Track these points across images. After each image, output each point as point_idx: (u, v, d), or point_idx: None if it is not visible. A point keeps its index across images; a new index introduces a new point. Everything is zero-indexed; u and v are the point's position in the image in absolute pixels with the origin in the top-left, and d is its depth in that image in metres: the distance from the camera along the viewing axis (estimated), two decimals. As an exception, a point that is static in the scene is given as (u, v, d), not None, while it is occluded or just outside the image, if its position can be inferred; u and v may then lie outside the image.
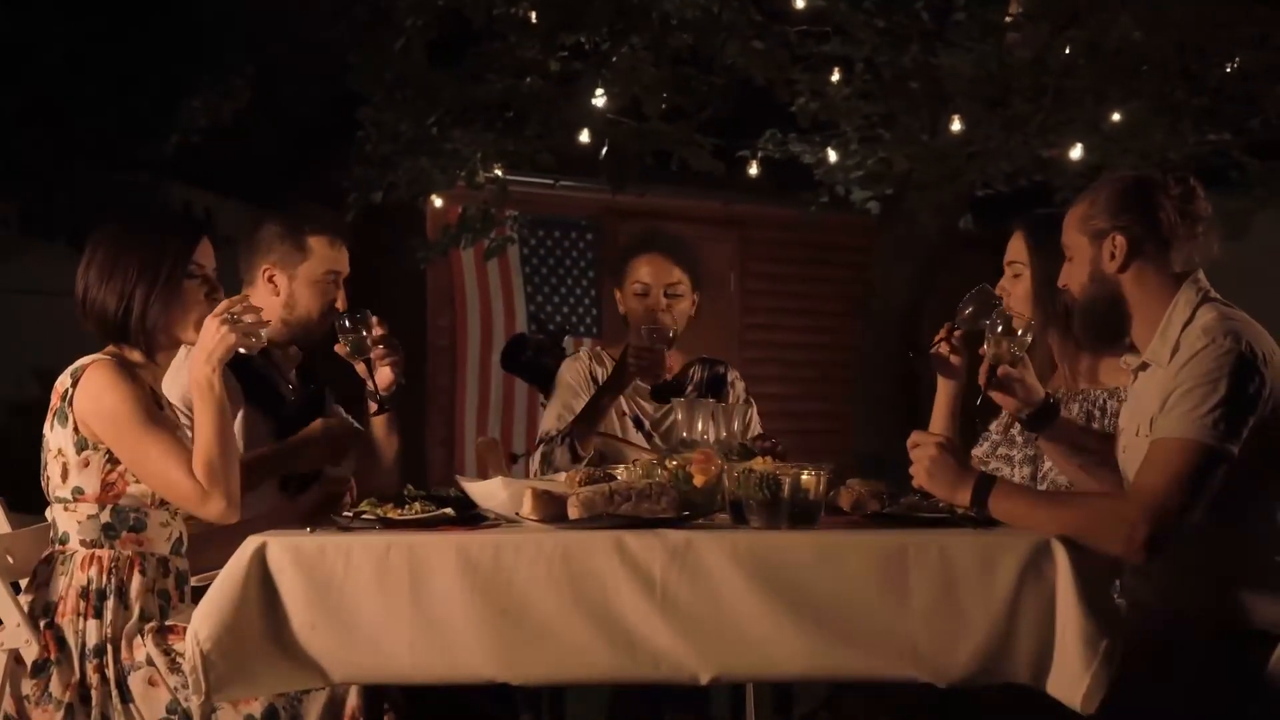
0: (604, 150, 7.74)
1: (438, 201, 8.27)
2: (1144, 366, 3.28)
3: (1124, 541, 2.99)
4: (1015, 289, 3.86)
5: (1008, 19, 6.89)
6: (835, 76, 7.51)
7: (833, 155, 7.83)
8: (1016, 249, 3.90)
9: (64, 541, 3.38)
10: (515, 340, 7.21)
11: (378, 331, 3.91)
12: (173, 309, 3.42)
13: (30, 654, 3.26)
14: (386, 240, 8.55)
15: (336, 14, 7.85)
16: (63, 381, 3.37)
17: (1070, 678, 2.89)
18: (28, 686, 3.25)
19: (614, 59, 7.34)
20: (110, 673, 3.24)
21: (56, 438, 3.36)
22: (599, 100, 7.36)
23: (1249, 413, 3.05)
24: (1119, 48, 6.51)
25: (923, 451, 3.18)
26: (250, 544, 3.03)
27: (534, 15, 7.34)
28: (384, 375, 3.99)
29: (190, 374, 3.32)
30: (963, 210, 8.21)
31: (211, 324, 3.28)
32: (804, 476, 3.14)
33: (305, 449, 3.82)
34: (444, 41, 7.60)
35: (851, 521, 3.30)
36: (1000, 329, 3.47)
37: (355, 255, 4.16)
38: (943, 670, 2.94)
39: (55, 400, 3.37)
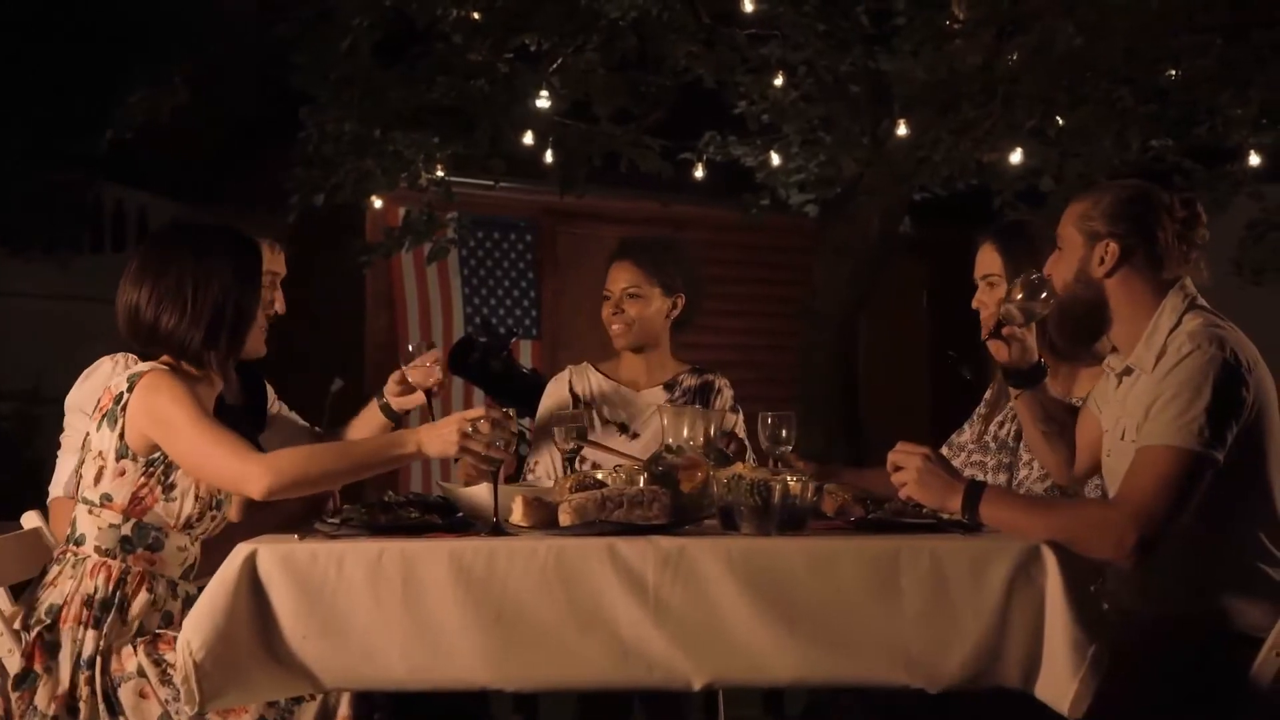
0: (548, 152, 7.72)
1: (377, 203, 8.22)
2: (1128, 371, 3.32)
3: (1113, 547, 3.03)
4: (993, 300, 3.89)
5: (956, 25, 6.94)
6: (779, 80, 7.53)
7: (775, 158, 7.86)
8: (990, 261, 3.92)
9: (79, 543, 3.32)
10: (462, 342, 7.15)
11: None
12: (252, 328, 3.48)
13: (12, 665, 3.20)
14: (326, 241, 8.49)
15: (278, 11, 7.77)
16: (118, 385, 3.33)
17: (1059, 682, 2.92)
18: (10, 699, 3.18)
19: (560, 60, 7.33)
20: (98, 685, 3.18)
21: (101, 439, 3.32)
22: (544, 102, 7.33)
23: (1233, 419, 3.10)
24: (1065, 54, 6.58)
25: (910, 461, 3.20)
26: (240, 551, 3.02)
27: (476, 15, 7.31)
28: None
29: (400, 435, 3.31)
30: (902, 213, 8.27)
31: (452, 425, 3.23)
32: (793, 482, 3.17)
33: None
34: (391, 42, 7.55)
35: (839, 527, 3.33)
36: (1020, 295, 3.46)
37: (294, 256, 4.12)
38: (934, 676, 2.97)
39: (107, 401, 3.34)
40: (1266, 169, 7.26)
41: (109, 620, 3.24)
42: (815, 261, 8.63)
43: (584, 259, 10.20)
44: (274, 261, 4.04)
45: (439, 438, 3.21)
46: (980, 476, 3.94)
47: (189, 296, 3.35)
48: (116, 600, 3.26)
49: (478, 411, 3.23)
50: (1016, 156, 7.13)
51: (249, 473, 3.18)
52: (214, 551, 3.28)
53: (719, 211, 9.32)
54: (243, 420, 4.03)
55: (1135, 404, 3.23)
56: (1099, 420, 3.53)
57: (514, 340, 8.12)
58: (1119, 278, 3.32)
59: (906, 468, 3.20)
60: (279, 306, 4.03)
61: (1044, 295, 3.44)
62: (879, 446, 3.89)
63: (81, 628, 3.23)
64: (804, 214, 8.18)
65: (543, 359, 9.87)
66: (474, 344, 7.02)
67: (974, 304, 3.93)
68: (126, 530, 3.31)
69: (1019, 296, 3.47)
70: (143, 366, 3.36)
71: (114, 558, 3.29)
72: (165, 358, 3.39)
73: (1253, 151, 7.16)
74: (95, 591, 3.26)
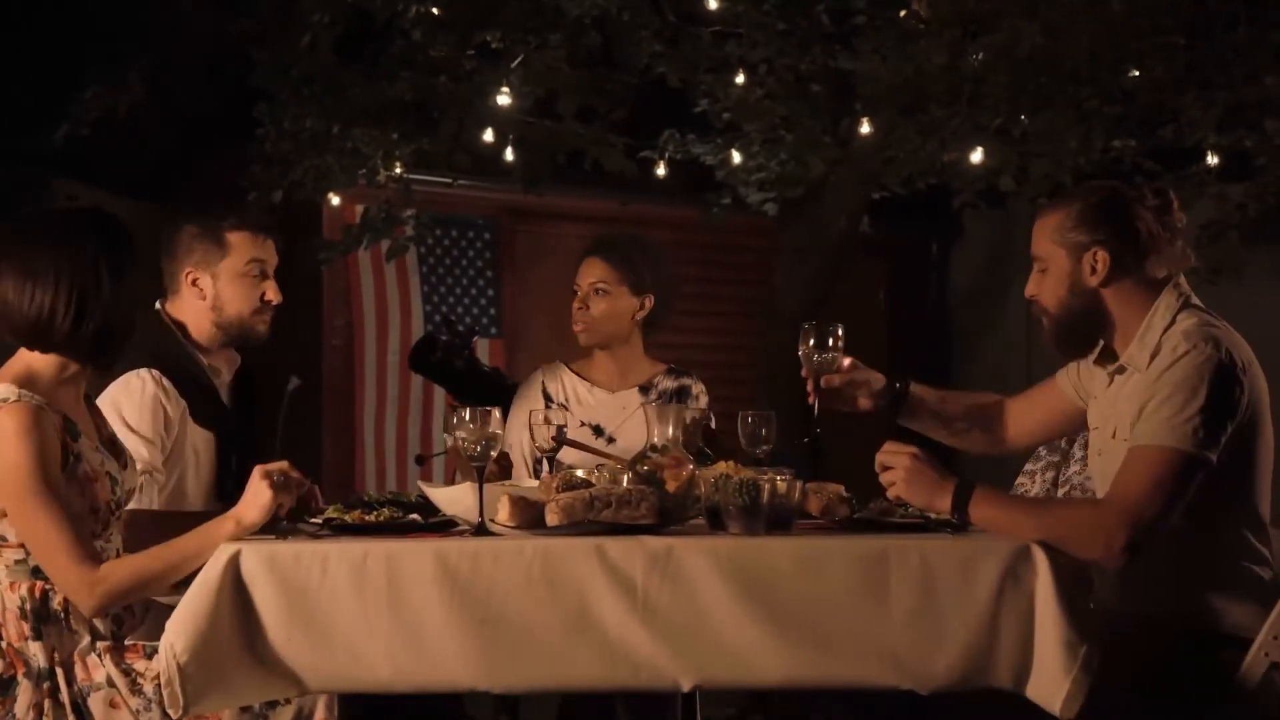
0: (508, 149, 7.66)
1: (335, 200, 8.14)
2: (1120, 370, 3.31)
3: (1103, 547, 3.03)
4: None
5: (920, 25, 6.92)
6: (740, 78, 7.50)
7: (736, 157, 7.83)
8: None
9: None
10: (424, 341, 7.10)
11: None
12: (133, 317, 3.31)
13: None
14: (282, 239, 8.40)
15: (235, 8, 7.69)
16: None
17: (1050, 683, 2.92)
18: None
19: (522, 57, 7.27)
20: (65, 696, 3.11)
21: None
22: (504, 99, 7.27)
23: (1227, 420, 3.10)
24: (1030, 55, 6.57)
25: (898, 460, 3.18)
26: (224, 552, 2.98)
27: (435, 10, 7.24)
28: None
29: (219, 519, 3.13)
30: (862, 213, 8.26)
31: (261, 486, 3.09)
32: (780, 482, 3.15)
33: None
34: (352, 39, 7.47)
35: (826, 527, 3.31)
36: (812, 342, 3.53)
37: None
38: (924, 677, 2.96)
39: None
40: (1227, 169, 7.29)
41: (51, 630, 3.15)
42: (776, 261, 8.61)
43: (543, 257, 10.13)
44: (261, 248, 4.00)
45: (254, 504, 3.08)
46: (1026, 481, 3.95)
47: (71, 297, 3.16)
48: (50, 612, 3.16)
49: (279, 465, 3.15)
50: (977, 156, 7.12)
51: (80, 587, 3.08)
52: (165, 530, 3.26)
53: (679, 211, 9.26)
54: (235, 434, 3.99)
55: (1127, 403, 3.22)
56: (1068, 397, 3.56)
57: (475, 339, 8.08)
58: (1113, 286, 3.30)
59: (895, 467, 3.18)
60: (271, 295, 4.00)
61: (831, 341, 3.50)
62: (837, 446, 3.87)
63: (26, 642, 3.15)
64: (763, 213, 8.15)
65: (503, 358, 9.79)
66: (436, 342, 6.97)
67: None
68: (34, 562, 3.16)
69: (810, 345, 3.52)
70: None
71: (33, 579, 3.17)
72: (14, 378, 3.18)
73: (1210, 152, 7.17)
74: (23, 602, 3.15)
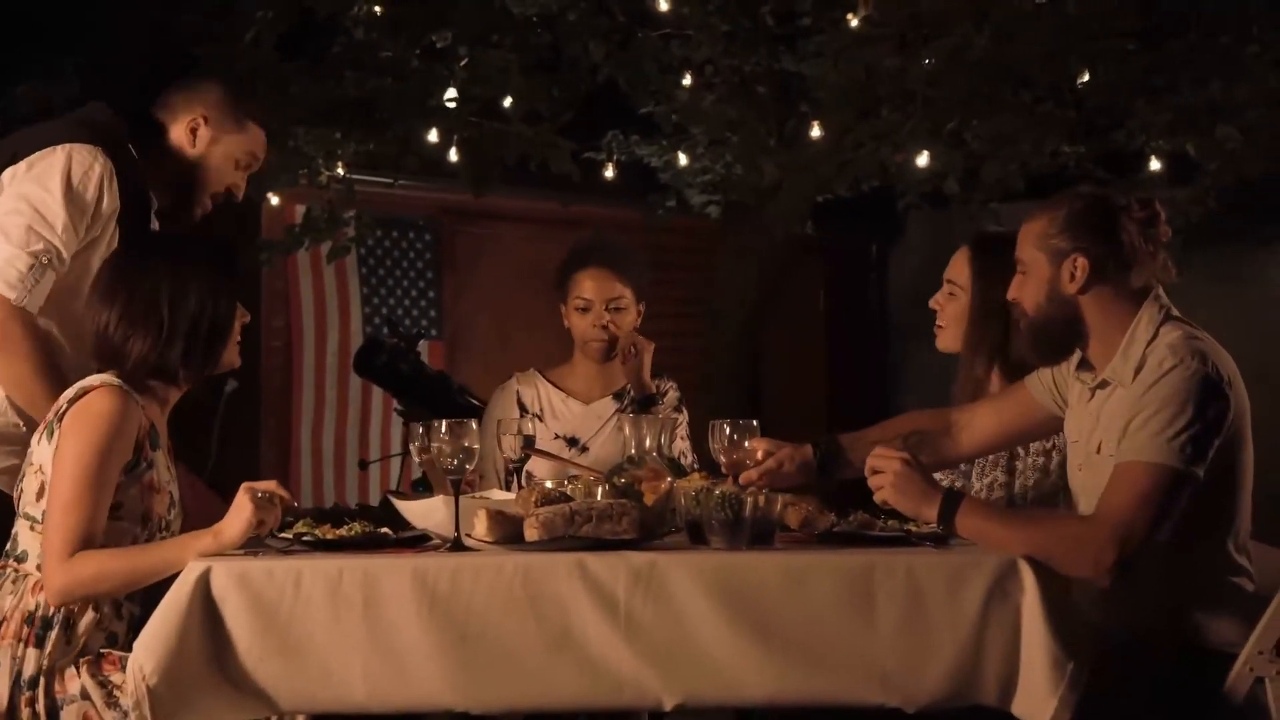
0: (452, 150, 7.57)
1: (274, 200, 8.03)
2: (1102, 384, 3.27)
3: (1091, 563, 3.00)
4: (948, 307, 3.87)
5: (867, 27, 6.88)
6: (687, 80, 7.45)
7: (682, 159, 7.79)
8: (959, 269, 3.88)
9: (21, 560, 3.19)
10: (369, 344, 7.05)
11: None
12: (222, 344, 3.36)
13: None
14: (221, 239, 8.27)
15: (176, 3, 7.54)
16: (65, 397, 3.19)
17: (1037, 699, 2.89)
18: None
19: (466, 60, 7.18)
20: (41, 706, 3.04)
21: (41, 453, 3.18)
22: (450, 101, 7.19)
23: (1214, 435, 3.07)
24: (982, 59, 6.56)
25: (887, 465, 3.14)
26: (193, 570, 2.91)
27: (378, 9, 7.15)
28: None
29: (198, 532, 3.07)
30: (806, 215, 8.23)
31: (243, 500, 3.03)
32: (761, 495, 3.11)
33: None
34: (295, 36, 7.35)
35: (807, 540, 3.26)
36: (723, 439, 3.47)
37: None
38: (911, 694, 2.93)
39: (50, 414, 3.20)
40: (1175, 174, 7.31)
41: (52, 639, 3.09)
42: (719, 263, 8.58)
43: (483, 258, 10.06)
44: (263, 149, 3.97)
45: (235, 521, 3.03)
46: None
47: (164, 317, 3.21)
48: (61, 618, 3.11)
49: (266, 484, 3.09)
50: (924, 160, 7.11)
51: (51, 564, 3.07)
52: None
53: (621, 211, 9.21)
54: None
55: (1110, 418, 3.19)
56: (1040, 403, 3.52)
57: (423, 342, 7.99)
58: (1092, 294, 3.26)
59: (884, 472, 3.14)
60: (239, 190, 3.95)
61: (738, 439, 3.46)
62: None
63: (21, 645, 3.09)
64: (706, 215, 8.13)
65: (444, 360, 9.69)
66: (382, 346, 6.89)
67: (930, 303, 3.89)
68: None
69: (722, 443, 3.47)
70: (92, 380, 3.21)
71: None
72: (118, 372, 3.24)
73: (1153, 157, 7.19)
74: (36, 609, 3.11)
